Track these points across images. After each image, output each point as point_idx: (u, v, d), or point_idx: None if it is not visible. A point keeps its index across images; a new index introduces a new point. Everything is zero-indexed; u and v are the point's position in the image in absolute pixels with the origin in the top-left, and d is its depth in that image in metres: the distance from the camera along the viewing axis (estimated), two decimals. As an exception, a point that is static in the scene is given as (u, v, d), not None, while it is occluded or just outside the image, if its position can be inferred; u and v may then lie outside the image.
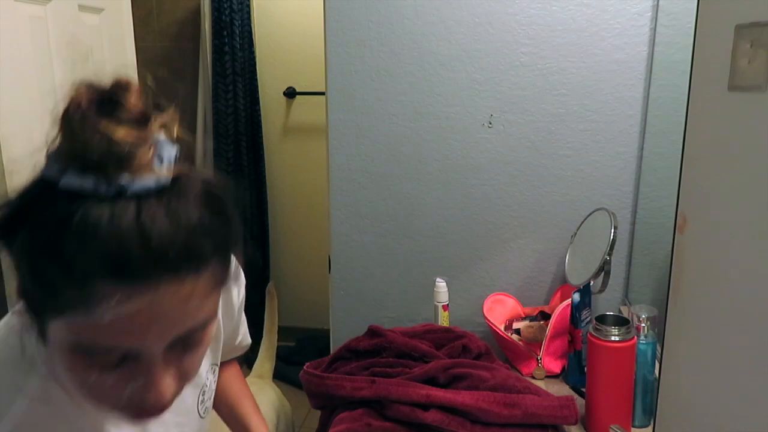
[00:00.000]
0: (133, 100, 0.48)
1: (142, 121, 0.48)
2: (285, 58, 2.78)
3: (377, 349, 1.29)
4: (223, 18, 2.59)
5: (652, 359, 1.12)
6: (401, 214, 1.54)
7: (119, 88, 0.48)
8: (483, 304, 1.44)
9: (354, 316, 1.59)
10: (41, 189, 0.47)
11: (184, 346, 0.51)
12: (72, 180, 0.45)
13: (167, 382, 0.50)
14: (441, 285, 1.44)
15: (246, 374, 1.31)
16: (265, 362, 1.81)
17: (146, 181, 0.46)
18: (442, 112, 1.47)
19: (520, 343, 1.35)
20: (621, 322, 1.09)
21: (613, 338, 1.07)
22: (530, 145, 1.46)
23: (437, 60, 1.45)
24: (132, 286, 0.45)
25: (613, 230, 1.30)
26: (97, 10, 1.39)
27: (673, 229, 0.67)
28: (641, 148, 1.43)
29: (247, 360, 1.87)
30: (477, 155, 1.48)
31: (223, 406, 1.00)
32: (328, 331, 1.62)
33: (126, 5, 1.54)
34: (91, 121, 0.46)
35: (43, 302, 0.47)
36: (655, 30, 1.36)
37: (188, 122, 2.61)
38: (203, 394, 0.75)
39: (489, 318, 1.38)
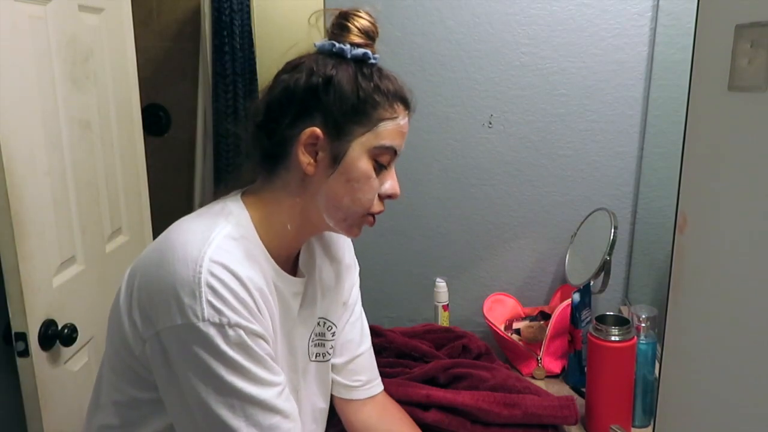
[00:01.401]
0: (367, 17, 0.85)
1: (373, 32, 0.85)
2: (285, 58, 2.78)
3: (377, 349, 1.29)
4: (223, 18, 2.59)
5: (652, 359, 1.12)
6: (401, 214, 1.54)
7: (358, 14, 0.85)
8: (483, 304, 1.44)
9: (354, 316, 1.59)
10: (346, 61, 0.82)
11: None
12: (366, 53, 0.82)
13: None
14: (441, 285, 1.44)
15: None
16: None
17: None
18: (442, 112, 1.47)
19: (520, 343, 1.35)
20: (621, 322, 1.09)
21: (613, 338, 1.07)
22: (530, 145, 1.46)
23: (437, 60, 1.45)
24: (407, 106, 0.85)
25: (613, 230, 1.30)
26: (97, 10, 1.39)
27: (673, 229, 0.67)
28: (641, 148, 1.43)
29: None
30: (477, 155, 1.48)
31: None
32: (328, 331, 1.62)
33: (126, 5, 1.54)
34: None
35: (360, 125, 0.80)
36: (655, 30, 1.36)
37: (188, 122, 2.62)
38: (311, 340, 0.94)
39: (489, 318, 1.38)
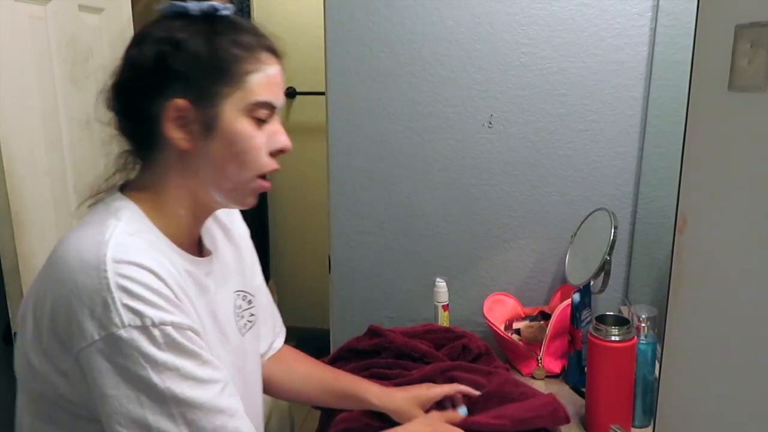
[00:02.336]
0: None
1: None
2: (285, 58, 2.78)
3: (377, 349, 1.29)
4: (223, 18, 2.59)
5: (652, 359, 1.12)
6: (401, 214, 1.54)
7: None
8: (483, 304, 1.44)
9: (354, 316, 1.59)
10: (199, 20, 0.75)
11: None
12: (212, 5, 0.75)
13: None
14: (441, 285, 1.44)
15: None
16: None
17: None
18: (442, 112, 1.47)
19: (520, 343, 1.35)
20: (621, 322, 1.09)
21: (613, 338, 1.07)
22: (530, 145, 1.46)
23: (437, 60, 1.45)
24: (276, 57, 0.80)
25: (613, 230, 1.30)
26: (97, 10, 1.39)
27: (673, 229, 0.67)
28: (641, 148, 1.43)
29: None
30: (477, 155, 1.48)
31: (322, 393, 1.09)
32: (328, 331, 1.62)
33: (126, 5, 1.54)
34: None
35: (225, 85, 0.75)
36: (655, 30, 1.36)
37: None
38: (235, 315, 0.92)
39: (489, 318, 1.38)
